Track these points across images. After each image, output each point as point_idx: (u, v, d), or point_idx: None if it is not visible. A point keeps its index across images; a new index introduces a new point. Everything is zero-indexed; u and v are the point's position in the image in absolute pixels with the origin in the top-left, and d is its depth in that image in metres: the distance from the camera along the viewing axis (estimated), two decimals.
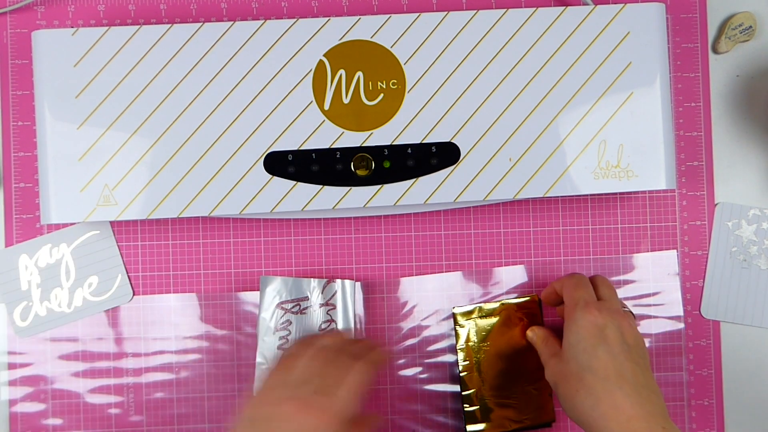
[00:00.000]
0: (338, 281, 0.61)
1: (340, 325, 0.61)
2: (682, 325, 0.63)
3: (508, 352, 0.61)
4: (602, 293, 0.56)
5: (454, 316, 0.61)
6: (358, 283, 0.62)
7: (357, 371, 0.52)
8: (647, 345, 0.63)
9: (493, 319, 0.61)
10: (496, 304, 0.61)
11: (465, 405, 0.60)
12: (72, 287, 0.61)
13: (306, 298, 0.60)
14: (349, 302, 0.61)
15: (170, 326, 0.62)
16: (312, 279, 0.60)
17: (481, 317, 0.61)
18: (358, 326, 0.62)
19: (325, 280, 0.61)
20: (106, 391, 0.61)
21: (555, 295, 0.59)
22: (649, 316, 0.63)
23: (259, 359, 0.60)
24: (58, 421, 0.61)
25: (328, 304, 0.61)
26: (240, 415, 0.51)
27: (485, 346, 0.60)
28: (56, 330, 0.61)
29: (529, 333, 0.59)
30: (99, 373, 0.61)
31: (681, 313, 0.63)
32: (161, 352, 0.62)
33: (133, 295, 0.62)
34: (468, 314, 0.61)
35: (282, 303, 0.60)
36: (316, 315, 0.60)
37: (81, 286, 0.61)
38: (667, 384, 0.63)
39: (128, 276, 0.62)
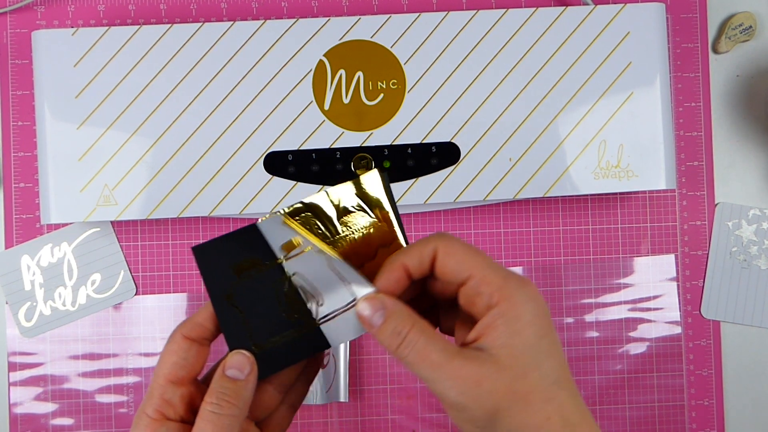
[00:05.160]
0: None
1: None
2: (680, 329, 0.63)
3: None
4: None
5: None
6: None
7: None
8: (645, 348, 0.63)
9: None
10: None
11: None
12: (75, 285, 0.61)
13: None
14: None
15: (170, 326, 0.62)
16: None
17: None
18: None
19: None
20: (113, 390, 0.62)
21: (408, 275, 0.37)
22: (648, 320, 0.63)
23: None
24: (68, 421, 0.61)
25: None
26: None
27: None
28: (59, 330, 0.61)
29: (367, 310, 0.36)
30: (106, 374, 0.62)
31: (678, 317, 0.63)
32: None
33: (135, 293, 0.62)
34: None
35: None
36: None
37: (84, 284, 0.61)
38: (666, 387, 0.63)
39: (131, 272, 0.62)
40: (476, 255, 0.35)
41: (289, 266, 0.38)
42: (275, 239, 0.38)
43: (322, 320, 0.38)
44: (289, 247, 0.38)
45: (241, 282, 0.38)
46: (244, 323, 0.37)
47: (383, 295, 0.36)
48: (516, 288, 0.34)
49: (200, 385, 0.38)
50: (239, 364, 0.36)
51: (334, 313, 0.38)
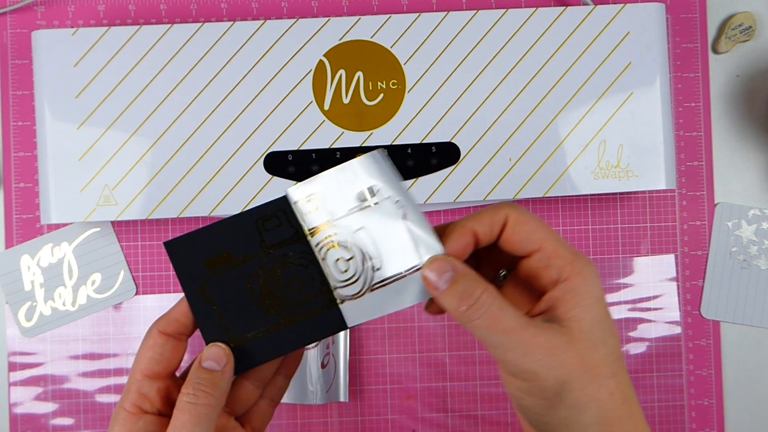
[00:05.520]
0: None
1: None
2: (679, 329, 0.63)
3: None
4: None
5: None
6: None
7: None
8: (645, 348, 0.63)
9: None
10: None
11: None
12: (75, 285, 0.61)
13: None
14: None
15: None
16: None
17: None
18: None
19: None
20: (113, 390, 0.62)
21: (475, 241, 0.36)
22: (648, 320, 0.63)
23: None
24: (68, 421, 0.61)
25: None
26: None
27: None
28: (59, 330, 0.61)
29: (434, 272, 0.35)
30: (106, 373, 0.62)
31: (678, 317, 0.63)
32: None
33: (135, 293, 0.62)
34: None
35: None
36: None
37: (84, 284, 0.61)
38: (666, 387, 0.63)
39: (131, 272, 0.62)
40: (547, 228, 0.35)
41: (351, 221, 0.37)
42: (355, 184, 0.37)
43: (376, 285, 0.37)
44: (368, 193, 0.37)
45: (214, 277, 0.38)
46: (219, 318, 0.38)
47: (452, 258, 0.35)
48: (585, 265, 0.35)
49: (177, 379, 0.39)
50: (216, 355, 0.37)
51: (395, 278, 0.37)
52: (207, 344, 0.38)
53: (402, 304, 0.37)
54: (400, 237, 0.36)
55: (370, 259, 0.37)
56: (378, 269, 0.37)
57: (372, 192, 0.37)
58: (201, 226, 0.38)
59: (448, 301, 0.34)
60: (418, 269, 0.36)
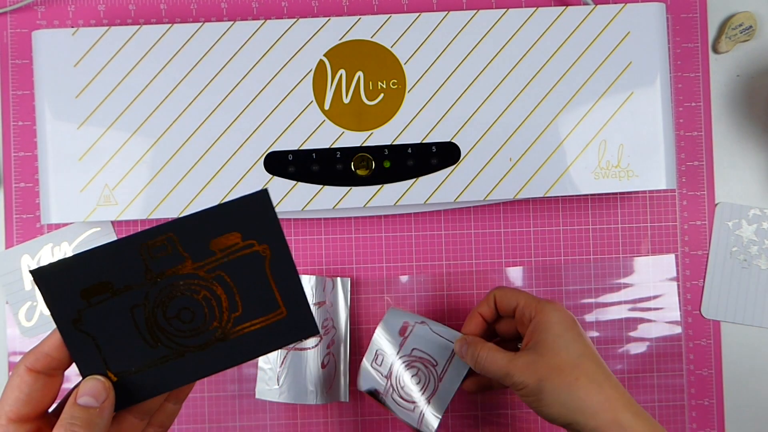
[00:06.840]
0: (335, 278, 0.61)
1: (340, 323, 0.61)
2: (679, 329, 0.63)
3: None
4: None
5: None
6: (347, 279, 0.62)
7: None
8: (645, 348, 0.63)
9: None
10: None
11: None
12: None
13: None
14: (340, 299, 0.61)
15: None
16: (310, 276, 0.61)
17: None
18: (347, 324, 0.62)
19: (319, 277, 0.61)
20: None
21: (484, 320, 0.55)
22: (648, 320, 0.63)
23: (261, 362, 0.60)
24: None
25: (328, 302, 0.61)
26: None
27: None
28: None
29: (457, 348, 0.54)
30: None
31: (678, 317, 0.63)
32: None
33: None
34: None
35: None
36: (317, 313, 0.60)
37: None
38: (666, 387, 0.63)
39: None
40: (521, 291, 0.53)
41: (405, 349, 0.56)
42: (391, 331, 0.56)
43: (439, 377, 0.55)
44: (404, 329, 0.56)
45: (92, 307, 0.35)
46: (98, 351, 0.35)
47: (464, 335, 0.55)
48: (545, 305, 0.50)
49: (51, 418, 0.35)
50: (94, 390, 0.34)
51: (446, 367, 0.55)
52: (83, 378, 0.34)
53: (456, 382, 0.55)
54: (436, 340, 0.56)
55: (432, 364, 0.56)
56: (436, 365, 0.56)
57: (406, 325, 0.57)
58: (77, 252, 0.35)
59: (469, 362, 0.52)
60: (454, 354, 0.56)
